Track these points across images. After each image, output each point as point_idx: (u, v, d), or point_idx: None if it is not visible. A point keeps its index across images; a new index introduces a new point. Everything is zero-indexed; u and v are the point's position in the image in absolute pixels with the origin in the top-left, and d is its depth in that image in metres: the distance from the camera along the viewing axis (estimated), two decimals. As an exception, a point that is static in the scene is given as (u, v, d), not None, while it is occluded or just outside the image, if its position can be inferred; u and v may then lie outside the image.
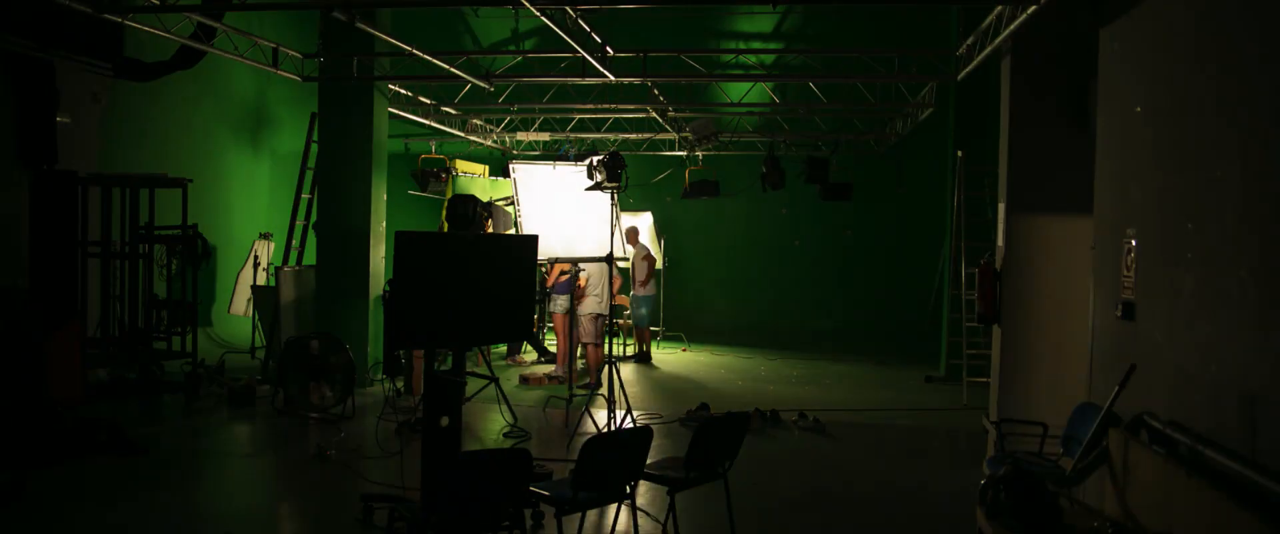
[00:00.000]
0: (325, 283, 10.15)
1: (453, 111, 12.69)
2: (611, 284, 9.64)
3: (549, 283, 10.51)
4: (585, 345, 10.28)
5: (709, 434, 5.04)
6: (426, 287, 4.78)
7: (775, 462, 7.26)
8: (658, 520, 5.62)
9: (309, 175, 10.97)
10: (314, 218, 10.63)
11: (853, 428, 8.55)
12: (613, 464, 4.64)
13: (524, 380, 10.38)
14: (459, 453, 5.00)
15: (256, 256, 12.18)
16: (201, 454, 7.43)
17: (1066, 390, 6.21)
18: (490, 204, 11.00)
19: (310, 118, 10.82)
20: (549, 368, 11.01)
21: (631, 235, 12.43)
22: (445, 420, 5.15)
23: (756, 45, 14.27)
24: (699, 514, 5.63)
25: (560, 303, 10.25)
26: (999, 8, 7.39)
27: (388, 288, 5.41)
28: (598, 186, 8.04)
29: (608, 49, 8.91)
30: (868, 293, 14.89)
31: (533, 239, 5.68)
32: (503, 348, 12.30)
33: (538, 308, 11.28)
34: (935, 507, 6.23)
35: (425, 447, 4.91)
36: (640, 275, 12.22)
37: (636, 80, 10.07)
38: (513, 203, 10.51)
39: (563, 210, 9.70)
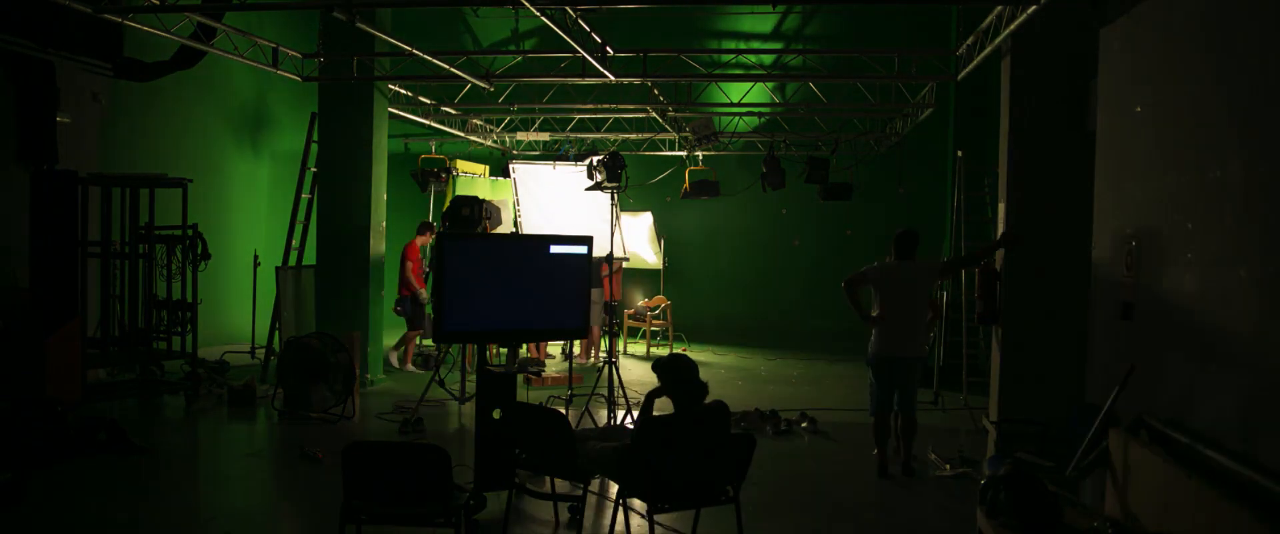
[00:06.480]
0: (325, 283, 10.15)
1: (453, 111, 12.68)
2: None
3: None
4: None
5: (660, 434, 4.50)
6: (472, 285, 4.81)
7: (774, 461, 7.26)
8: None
9: (309, 175, 10.98)
10: (314, 217, 10.63)
11: (853, 428, 8.54)
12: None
13: (527, 381, 10.38)
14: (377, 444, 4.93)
15: None
16: (201, 454, 7.43)
17: (1066, 390, 6.21)
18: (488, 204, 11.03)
19: (310, 118, 10.82)
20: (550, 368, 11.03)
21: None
22: (497, 413, 5.19)
23: (756, 45, 14.26)
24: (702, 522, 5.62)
25: None
26: (999, 8, 7.38)
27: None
28: (598, 186, 8.05)
29: (608, 49, 8.91)
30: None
31: (588, 239, 5.70)
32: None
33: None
34: (935, 507, 6.23)
35: (479, 438, 4.91)
36: None
37: (636, 80, 10.06)
38: (513, 202, 10.53)
39: (563, 210, 9.70)
